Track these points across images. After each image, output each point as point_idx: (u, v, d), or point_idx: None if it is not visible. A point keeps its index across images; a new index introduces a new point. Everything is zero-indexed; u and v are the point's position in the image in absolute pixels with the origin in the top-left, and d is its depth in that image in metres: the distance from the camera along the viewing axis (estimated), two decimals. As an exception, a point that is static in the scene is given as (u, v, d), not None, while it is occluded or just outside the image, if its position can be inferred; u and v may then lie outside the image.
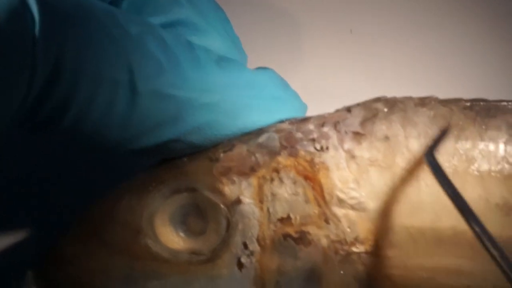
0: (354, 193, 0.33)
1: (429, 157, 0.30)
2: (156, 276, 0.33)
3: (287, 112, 0.36)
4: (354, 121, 0.34)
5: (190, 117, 0.33)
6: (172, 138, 0.33)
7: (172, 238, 0.34)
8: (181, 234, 0.34)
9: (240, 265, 0.33)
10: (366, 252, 0.33)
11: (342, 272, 0.33)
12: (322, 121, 0.35)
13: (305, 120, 0.35)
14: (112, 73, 0.31)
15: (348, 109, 0.35)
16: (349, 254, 0.33)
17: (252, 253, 0.33)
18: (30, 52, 0.28)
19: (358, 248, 0.33)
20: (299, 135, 0.34)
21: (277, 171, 0.33)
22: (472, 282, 0.32)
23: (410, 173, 0.33)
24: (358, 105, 0.35)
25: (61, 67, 0.29)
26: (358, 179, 0.33)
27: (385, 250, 0.33)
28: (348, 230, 0.33)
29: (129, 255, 0.34)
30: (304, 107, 0.37)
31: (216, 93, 0.33)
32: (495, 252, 0.26)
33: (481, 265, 0.33)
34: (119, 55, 0.31)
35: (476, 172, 0.33)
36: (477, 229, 0.27)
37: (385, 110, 0.34)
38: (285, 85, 0.36)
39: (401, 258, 0.33)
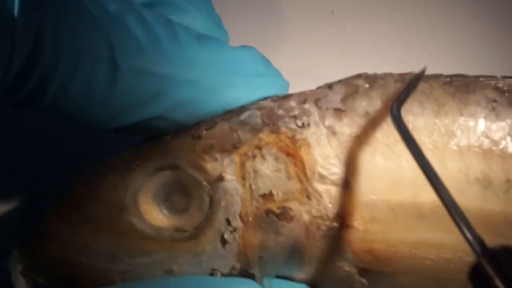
0: (335, 169, 0.33)
1: (394, 113, 0.31)
2: (141, 253, 0.34)
3: (269, 89, 0.36)
4: (335, 98, 0.35)
5: (172, 93, 0.33)
6: (155, 115, 0.33)
7: (156, 216, 0.34)
8: (165, 211, 0.34)
9: (223, 241, 0.33)
10: (348, 227, 0.33)
11: (324, 247, 0.33)
12: (303, 98, 0.35)
13: (287, 97, 0.36)
14: (92, 50, 0.31)
15: (330, 86, 0.35)
16: (331, 229, 0.33)
17: (235, 229, 0.33)
18: (9, 30, 0.29)
19: (339, 223, 0.33)
20: (280, 112, 0.35)
21: (259, 148, 0.34)
22: (452, 255, 0.33)
23: (391, 148, 0.33)
24: (339, 81, 0.36)
25: (40, 44, 0.30)
26: (339, 155, 0.33)
27: (367, 225, 0.33)
28: (330, 205, 0.33)
29: (113, 232, 0.34)
30: (286, 84, 0.37)
31: (197, 69, 0.33)
32: (451, 208, 0.27)
33: (461, 238, 0.33)
34: (98, 32, 0.31)
35: (455, 147, 0.33)
36: (437, 187, 0.27)
37: (366, 86, 0.35)
38: (266, 62, 0.37)
39: (382, 233, 0.33)
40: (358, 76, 0.36)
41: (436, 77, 0.35)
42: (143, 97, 0.32)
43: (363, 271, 0.34)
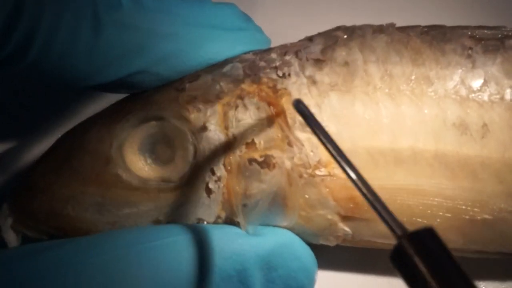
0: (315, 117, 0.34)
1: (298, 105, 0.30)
2: (127, 204, 0.35)
3: (250, 43, 0.37)
4: (315, 49, 0.35)
5: (155, 47, 0.34)
6: (139, 70, 0.34)
7: (141, 167, 0.35)
8: (150, 162, 0.35)
9: (208, 190, 0.34)
10: (329, 175, 0.34)
11: (306, 195, 0.34)
12: (284, 50, 0.36)
13: (268, 50, 0.36)
14: (75, 4, 0.32)
15: (310, 38, 0.36)
16: (312, 176, 0.34)
17: (219, 178, 0.34)
18: None
19: (321, 171, 0.34)
20: (262, 63, 0.35)
21: (241, 97, 0.34)
22: (430, 200, 0.34)
23: (369, 96, 0.34)
24: (319, 34, 0.36)
25: (22, 2, 0.30)
26: (319, 104, 0.34)
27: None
28: (311, 153, 0.34)
29: (100, 184, 0.35)
30: (267, 40, 0.38)
31: (178, 23, 0.34)
32: (368, 193, 0.27)
33: (439, 184, 0.34)
34: None
35: (433, 94, 0.34)
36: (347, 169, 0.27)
37: (345, 37, 0.35)
38: (247, 18, 0.37)
39: (363, 180, 0.34)
40: (337, 28, 0.36)
41: (414, 27, 0.36)
42: (126, 51, 0.33)
43: (345, 219, 0.35)
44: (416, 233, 0.25)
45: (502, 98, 0.34)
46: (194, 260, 0.32)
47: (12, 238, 0.35)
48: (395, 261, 0.25)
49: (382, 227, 0.34)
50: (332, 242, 0.36)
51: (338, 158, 0.27)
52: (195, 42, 0.35)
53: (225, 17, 0.36)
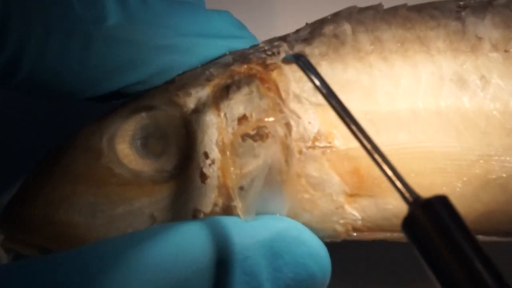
0: (308, 87, 0.33)
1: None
2: (121, 201, 0.33)
3: None
4: (303, 33, 0.35)
5: (148, 61, 0.34)
6: (133, 83, 0.34)
7: (134, 159, 0.34)
8: (143, 154, 0.34)
9: (203, 176, 0.32)
10: (330, 147, 0.32)
11: (307, 173, 0.32)
12: (272, 41, 0.36)
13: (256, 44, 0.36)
14: (63, 22, 0.32)
15: (297, 30, 0.36)
16: (312, 148, 0.32)
17: (213, 161, 0.32)
18: None
19: (321, 143, 0.32)
20: (250, 51, 0.35)
21: (231, 77, 0.34)
22: (439, 164, 0.32)
23: (362, 61, 0.33)
24: (306, 24, 0.36)
25: (7, 22, 0.31)
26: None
27: (348, 143, 0.32)
28: (309, 125, 0.33)
29: (92, 181, 0.33)
30: None
31: (171, 34, 0.34)
32: (381, 160, 0.26)
33: (444, 143, 0.32)
34: (68, 3, 0.33)
35: (425, 53, 0.33)
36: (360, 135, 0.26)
37: (332, 16, 0.36)
38: (241, 25, 0.37)
39: (365, 148, 0.32)
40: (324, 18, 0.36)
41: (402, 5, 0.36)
42: (118, 65, 0.33)
43: (352, 199, 0.33)
44: (429, 201, 0.24)
45: (496, 49, 0.33)
46: (181, 258, 0.30)
47: (2, 256, 0.34)
48: (407, 229, 0.24)
49: (391, 205, 0.33)
50: (339, 235, 0.33)
51: (342, 114, 0.27)
52: (189, 51, 0.35)
53: (219, 24, 0.36)
